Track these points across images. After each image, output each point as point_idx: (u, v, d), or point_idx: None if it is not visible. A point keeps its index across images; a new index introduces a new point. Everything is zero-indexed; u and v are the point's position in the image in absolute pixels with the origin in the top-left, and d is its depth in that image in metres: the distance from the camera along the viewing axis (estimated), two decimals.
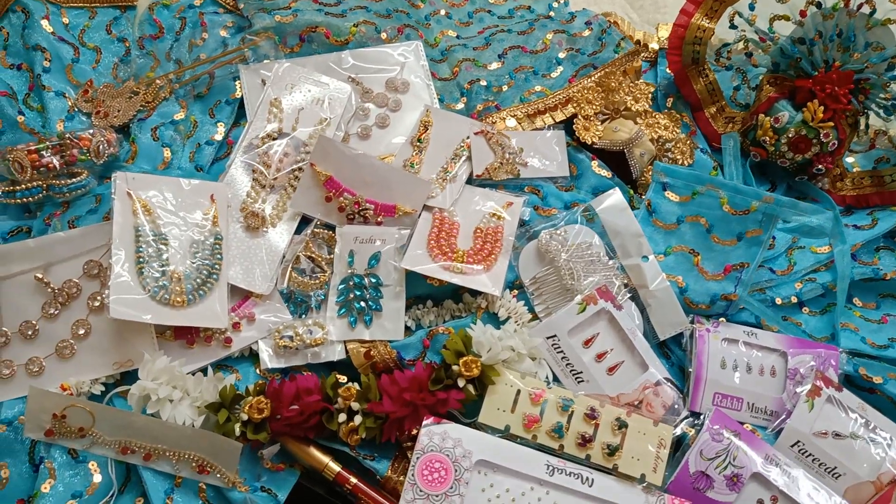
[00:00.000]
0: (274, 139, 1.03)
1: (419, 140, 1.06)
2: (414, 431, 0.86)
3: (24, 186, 0.96)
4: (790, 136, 1.05)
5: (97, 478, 0.85)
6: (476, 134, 1.06)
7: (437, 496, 0.82)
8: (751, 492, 0.86)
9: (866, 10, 1.03)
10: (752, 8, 1.10)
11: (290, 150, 1.03)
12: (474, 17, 1.26)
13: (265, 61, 1.10)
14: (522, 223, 1.00)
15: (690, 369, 0.94)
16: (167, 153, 1.05)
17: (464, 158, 1.05)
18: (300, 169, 1.01)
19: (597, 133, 1.08)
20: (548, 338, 0.92)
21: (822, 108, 1.03)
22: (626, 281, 0.97)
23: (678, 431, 0.89)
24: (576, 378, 0.92)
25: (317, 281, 0.96)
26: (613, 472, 0.85)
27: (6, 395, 0.88)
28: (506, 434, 0.86)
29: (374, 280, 0.95)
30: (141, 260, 0.90)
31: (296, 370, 0.92)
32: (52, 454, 0.85)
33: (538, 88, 1.14)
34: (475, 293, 0.96)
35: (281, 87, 1.07)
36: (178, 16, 1.18)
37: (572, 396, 0.88)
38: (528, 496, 0.83)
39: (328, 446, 0.88)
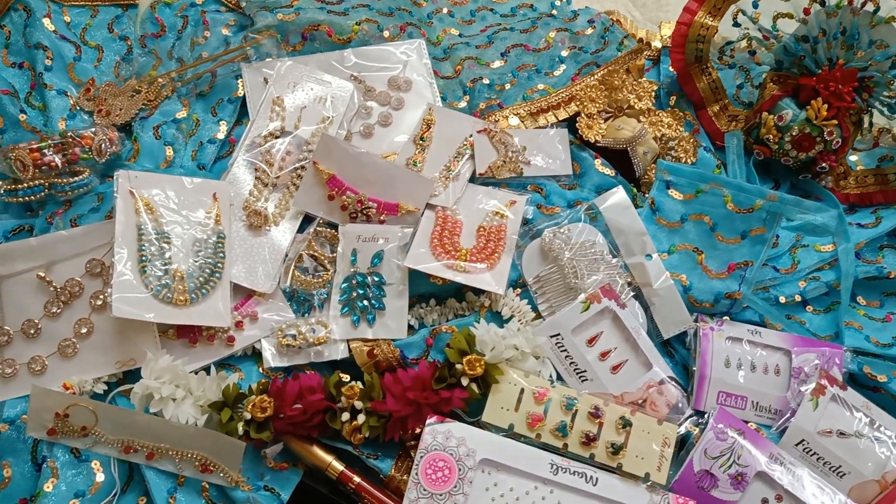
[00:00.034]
0: (276, 137, 1.03)
1: (422, 138, 1.06)
2: (417, 430, 0.86)
3: (26, 185, 0.96)
4: (794, 134, 1.05)
5: (100, 477, 0.85)
6: (479, 132, 1.05)
7: (440, 495, 0.82)
8: (755, 491, 0.85)
9: (870, 7, 1.03)
10: (755, 6, 1.09)
11: (293, 149, 1.03)
12: (477, 16, 1.25)
13: (267, 59, 1.10)
14: (525, 222, 1.00)
15: (694, 368, 0.94)
16: (169, 152, 1.05)
17: (467, 157, 1.05)
18: (303, 167, 1.01)
19: (600, 131, 1.08)
20: (551, 336, 0.92)
21: (825, 106, 1.03)
22: (629, 279, 0.97)
23: (682, 430, 0.89)
24: (579, 377, 0.92)
25: (320, 280, 0.96)
26: (617, 471, 0.85)
27: (8, 395, 0.88)
28: (509, 433, 0.86)
29: (377, 279, 0.95)
30: (143, 258, 0.90)
31: (299, 369, 0.92)
32: (54, 453, 0.84)
33: (541, 87, 1.13)
34: (478, 292, 0.96)
35: (283, 85, 1.06)
36: (180, 14, 1.18)
37: (576, 395, 0.88)
38: (531, 495, 0.83)
39: (331, 445, 0.88)
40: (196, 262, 0.93)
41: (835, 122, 1.04)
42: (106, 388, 0.89)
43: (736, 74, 1.19)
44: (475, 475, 0.83)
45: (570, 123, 1.11)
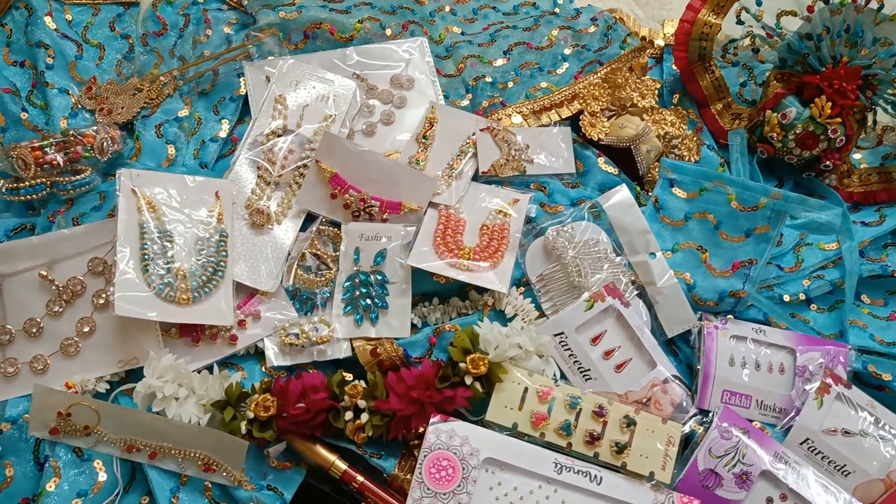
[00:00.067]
0: (279, 136, 1.03)
1: (424, 137, 1.05)
2: (421, 429, 0.85)
3: (27, 183, 0.96)
4: (798, 132, 1.05)
5: (102, 476, 0.84)
6: (482, 130, 1.05)
7: (444, 494, 0.81)
8: (760, 490, 0.85)
9: (874, 5, 1.03)
10: (759, 3, 1.09)
11: (295, 147, 1.02)
12: (479, 14, 1.25)
13: (269, 58, 1.09)
14: (529, 220, 1.00)
15: (699, 367, 0.93)
16: (171, 150, 1.05)
17: (469, 155, 1.04)
18: (305, 166, 1.01)
19: (603, 129, 1.08)
20: (555, 335, 0.92)
21: (829, 104, 1.03)
22: (633, 278, 0.97)
23: (687, 429, 0.88)
24: (583, 375, 0.91)
25: (322, 278, 0.95)
26: (622, 470, 0.85)
27: (10, 394, 0.88)
28: (513, 432, 0.86)
29: (379, 277, 0.95)
30: (146, 257, 0.90)
31: (302, 368, 0.92)
32: (56, 453, 0.84)
33: (544, 85, 1.13)
34: (481, 290, 0.96)
35: (285, 83, 1.06)
36: (182, 12, 1.18)
37: (580, 394, 0.88)
38: (535, 494, 0.83)
39: (334, 444, 0.88)
40: (198, 260, 0.92)
41: (839, 119, 1.03)
42: (108, 387, 0.89)
43: (739, 72, 1.19)
44: (479, 474, 0.83)
45: (574, 122, 1.11)
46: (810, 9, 1.05)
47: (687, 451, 0.88)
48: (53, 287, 0.90)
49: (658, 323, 0.95)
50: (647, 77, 1.13)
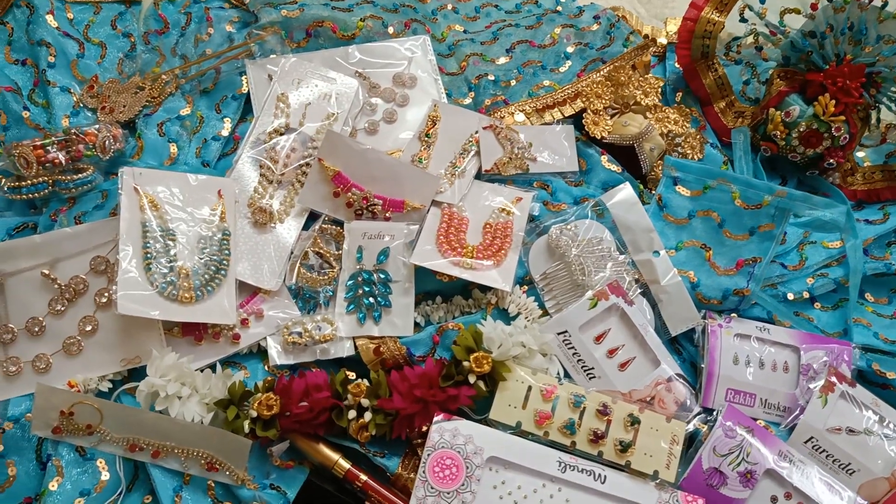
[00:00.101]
0: (281, 134, 1.02)
1: (427, 135, 1.05)
2: (424, 428, 0.85)
3: (29, 182, 0.95)
4: (801, 130, 1.05)
5: (105, 475, 0.84)
6: (484, 129, 1.05)
7: (448, 493, 0.81)
8: (764, 488, 0.85)
9: (878, 2, 1.02)
10: (762, 1, 1.09)
11: (298, 146, 1.02)
12: (481, 12, 1.25)
13: (272, 56, 1.09)
14: (532, 218, 0.99)
15: (703, 365, 0.93)
16: (173, 149, 1.04)
17: (472, 153, 1.04)
18: (308, 164, 1.00)
19: (606, 128, 1.07)
20: (559, 333, 0.92)
21: (833, 101, 1.03)
22: (637, 276, 0.96)
23: (691, 428, 0.88)
24: (587, 374, 0.91)
25: (325, 277, 0.95)
26: (626, 469, 0.85)
27: (13, 393, 0.87)
28: (517, 431, 0.86)
29: (382, 276, 0.94)
30: (148, 256, 0.89)
31: (304, 367, 0.92)
32: (59, 452, 0.84)
33: (546, 83, 1.13)
34: (485, 289, 0.95)
35: (288, 82, 1.06)
36: (184, 11, 1.17)
37: (584, 392, 0.87)
38: (539, 493, 0.83)
39: (338, 443, 0.87)
40: (201, 259, 0.92)
41: (842, 117, 1.03)
42: (111, 386, 0.89)
43: (742, 70, 1.19)
44: (483, 473, 0.82)
45: (577, 120, 1.10)
46: (814, 6, 1.05)
47: (691, 450, 0.87)
48: (56, 286, 0.90)
49: (662, 321, 0.95)
50: (651, 75, 1.13)
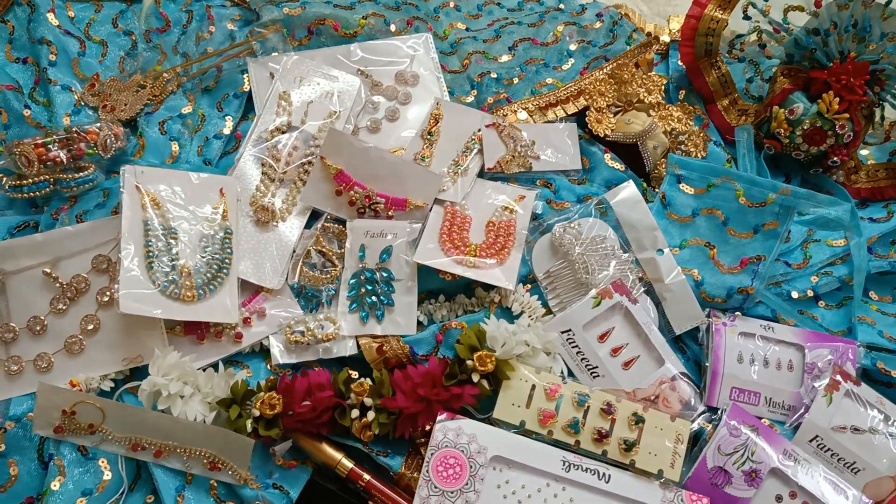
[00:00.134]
0: (283, 133, 1.02)
1: (430, 133, 1.05)
2: (427, 427, 0.85)
3: (30, 181, 0.95)
4: (805, 127, 1.04)
5: (107, 475, 0.84)
6: (487, 127, 1.05)
7: (452, 492, 0.81)
8: (769, 487, 0.84)
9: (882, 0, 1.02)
10: None
11: (300, 144, 1.02)
12: (483, 10, 1.25)
13: (273, 54, 1.09)
14: (535, 217, 0.99)
15: (707, 364, 0.93)
16: (175, 147, 1.04)
17: (475, 151, 1.04)
18: (310, 163, 1.00)
19: (609, 125, 1.07)
20: (562, 332, 0.91)
21: (837, 99, 1.02)
22: (640, 275, 0.96)
23: (695, 427, 0.88)
24: (591, 373, 0.91)
25: (328, 276, 0.95)
26: (630, 468, 0.84)
27: (14, 392, 0.87)
28: (521, 430, 0.85)
29: (385, 275, 0.94)
30: (150, 254, 0.89)
31: (307, 366, 0.91)
32: (61, 451, 0.84)
33: (549, 81, 1.12)
34: (488, 287, 0.95)
35: (290, 80, 1.05)
36: (185, 9, 1.17)
37: (588, 391, 0.87)
38: (543, 492, 0.82)
39: (341, 442, 0.87)
40: (203, 257, 0.92)
41: (846, 115, 1.03)
42: (113, 385, 0.88)
43: (745, 68, 1.18)
44: (486, 472, 0.82)
45: (580, 118, 1.10)
46: (818, 4, 1.05)
47: (696, 449, 0.87)
48: (57, 285, 0.90)
49: (666, 320, 0.95)
50: (654, 73, 1.13)
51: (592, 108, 1.09)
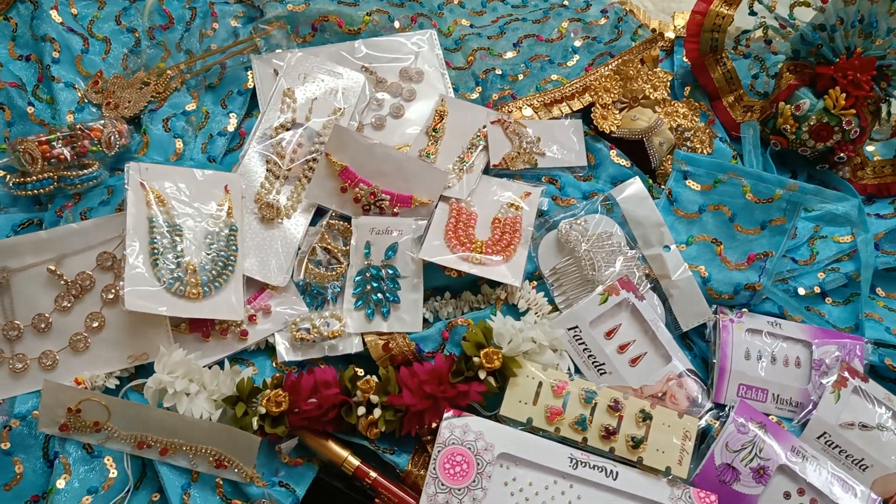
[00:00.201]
0: (287, 129, 1.02)
1: (434, 130, 1.04)
2: (434, 425, 0.85)
3: (34, 178, 0.95)
4: (811, 123, 1.04)
5: (113, 473, 0.83)
6: (493, 123, 1.04)
7: (459, 490, 0.81)
8: (777, 484, 0.84)
9: None
10: None
11: (304, 141, 1.01)
12: (488, 7, 1.24)
13: (277, 51, 1.08)
14: (541, 213, 0.99)
15: (714, 360, 0.92)
16: (179, 144, 1.04)
17: (480, 148, 1.03)
18: (314, 159, 1.00)
19: (615, 122, 1.07)
20: (569, 329, 0.91)
21: (843, 95, 1.02)
22: (647, 271, 0.96)
23: (703, 423, 0.87)
24: (598, 370, 0.90)
25: (333, 273, 0.94)
26: (638, 465, 0.84)
27: (19, 390, 0.87)
28: (528, 427, 0.85)
29: (391, 271, 0.94)
30: (155, 251, 0.89)
31: (313, 363, 0.91)
32: (66, 449, 0.83)
33: (554, 77, 1.12)
34: (494, 284, 0.95)
35: (294, 76, 1.05)
36: (188, 6, 1.17)
37: (595, 388, 0.87)
38: (551, 489, 0.82)
39: (347, 440, 0.87)
40: (208, 254, 0.91)
41: (853, 111, 1.03)
42: (118, 383, 0.88)
43: (751, 64, 1.18)
44: (493, 470, 0.82)
45: (585, 114, 1.10)
46: None
47: (703, 446, 0.87)
48: (62, 282, 0.89)
49: (672, 316, 0.94)
50: (659, 69, 1.12)
51: (598, 105, 1.08)
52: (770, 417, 0.89)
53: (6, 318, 0.88)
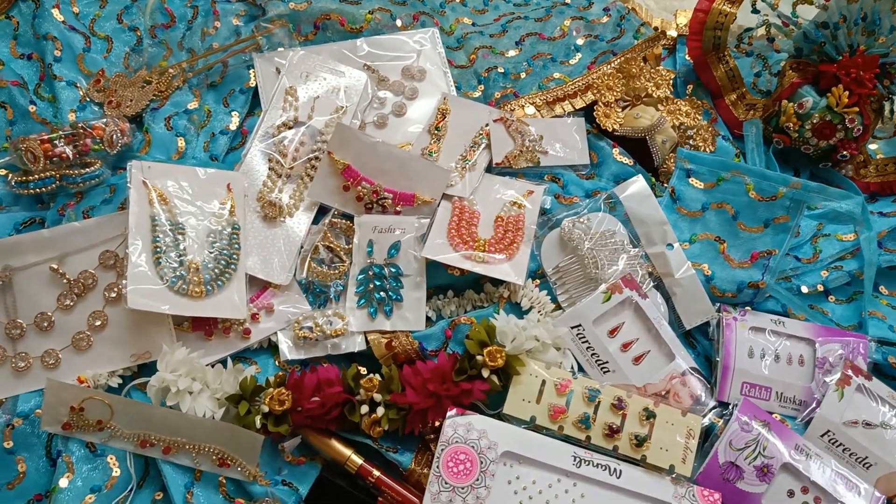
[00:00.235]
0: (290, 128, 1.02)
1: (437, 128, 1.04)
2: (437, 423, 0.84)
3: (37, 177, 0.95)
4: (814, 121, 1.04)
5: (116, 472, 0.83)
6: (495, 121, 1.04)
7: (462, 488, 0.80)
8: (781, 482, 0.84)
9: None
10: None
11: (307, 139, 1.01)
12: (489, 5, 1.24)
13: (279, 49, 1.08)
14: (543, 212, 0.99)
15: (718, 359, 0.92)
16: (181, 143, 1.03)
17: (483, 146, 1.03)
18: (317, 158, 1.00)
19: (618, 120, 1.07)
20: (572, 327, 0.91)
21: (847, 92, 1.02)
22: (650, 269, 0.95)
23: (706, 422, 0.87)
24: (601, 368, 0.90)
25: (336, 271, 0.94)
26: (642, 464, 0.84)
27: (22, 389, 0.87)
28: (531, 425, 0.85)
29: (393, 270, 0.94)
30: (158, 250, 0.88)
31: (316, 362, 0.91)
32: (69, 448, 0.83)
33: (557, 75, 1.12)
34: (497, 283, 0.94)
35: (296, 75, 1.05)
36: (190, 4, 1.16)
37: (599, 387, 0.86)
38: (554, 488, 0.82)
39: (350, 439, 0.86)
40: (211, 253, 0.91)
41: (856, 109, 1.02)
42: (121, 381, 0.88)
43: (753, 62, 1.18)
44: (497, 468, 0.82)
45: (588, 112, 1.09)
46: None
47: (707, 444, 0.86)
48: (64, 281, 0.89)
49: (676, 315, 0.94)
50: (662, 67, 1.12)
51: (600, 103, 1.08)
52: (774, 416, 0.89)
53: (9, 316, 0.88)
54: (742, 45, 1.18)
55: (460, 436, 0.82)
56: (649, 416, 0.85)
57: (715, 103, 1.16)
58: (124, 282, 0.86)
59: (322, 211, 0.99)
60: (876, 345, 0.94)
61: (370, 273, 0.93)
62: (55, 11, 1.09)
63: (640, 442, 0.84)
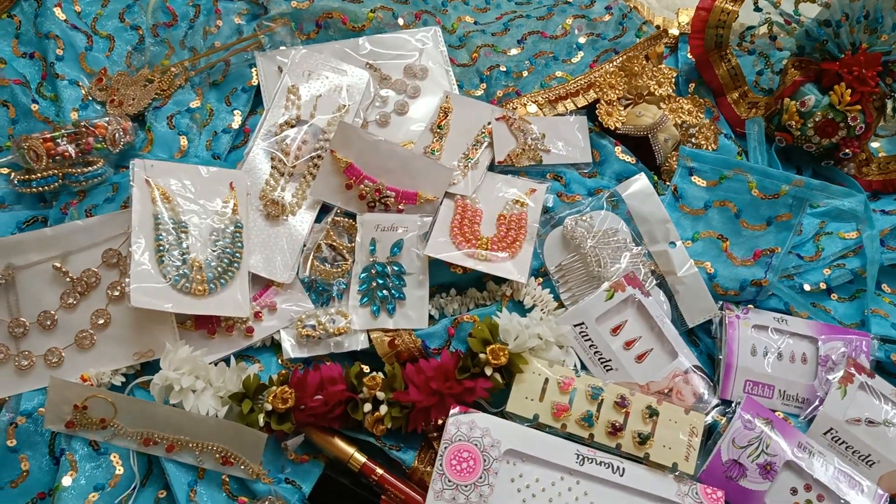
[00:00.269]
0: (292, 127, 1.02)
1: (439, 127, 1.04)
2: (440, 421, 0.84)
3: (39, 175, 0.95)
4: (817, 119, 1.04)
5: (119, 470, 0.83)
6: (497, 120, 1.04)
7: (465, 486, 0.80)
8: (784, 480, 0.84)
9: None
10: None
11: (309, 138, 1.01)
12: (491, 3, 1.24)
13: (281, 48, 1.08)
14: (546, 210, 0.99)
15: (720, 357, 0.92)
16: (183, 141, 1.03)
17: (485, 145, 1.03)
18: (319, 156, 1.00)
19: (620, 118, 1.07)
20: (575, 325, 0.91)
21: (849, 91, 1.02)
22: (653, 268, 0.95)
23: (709, 420, 0.87)
24: (604, 366, 0.90)
25: (338, 270, 0.94)
26: (645, 462, 0.84)
27: (25, 387, 0.87)
28: (534, 423, 0.85)
29: (396, 268, 0.94)
30: (161, 248, 0.88)
31: (319, 360, 0.91)
32: (72, 446, 0.83)
33: (559, 74, 1.12)
34: (499, 281, 0.94)
35: (298, 73, 1.05)
36: (192, 3, 1.17)
37: (601, 385, 0.86)
38: (557, 486, 0.82)
39: (353, 437, 0.86)
40: (214, 251, 0.91)
41: (858, 107, 1.02)
42: (124, 380, 0.88)
43: (755, 61, 1.18)
44: (500, 466, 0.82)
45: (590, 111, 1.09)
46: None
47: (710, 442, 0.87)
48: (67, 279, 0.89)
49: (678, 313, 0.94)
50: (664, 65, 1.12)
51: (603, 101, 1.08)
52: (776, 413, 0.89)
53: (12, 315, 0.88)
54: (744, 43, 1.18)
55: (463, 434, 0.82)
56: (652, 414, 0.85)
57: (717, 101, 1.16)
58: (127, 280, 0.86)
59: (325, 209, 0.99)
60: (878, 342, 0.94)
61: (373, 271, 0.93)
62: (57, 10, 1.09)
63: (643, 440, 0.84)
